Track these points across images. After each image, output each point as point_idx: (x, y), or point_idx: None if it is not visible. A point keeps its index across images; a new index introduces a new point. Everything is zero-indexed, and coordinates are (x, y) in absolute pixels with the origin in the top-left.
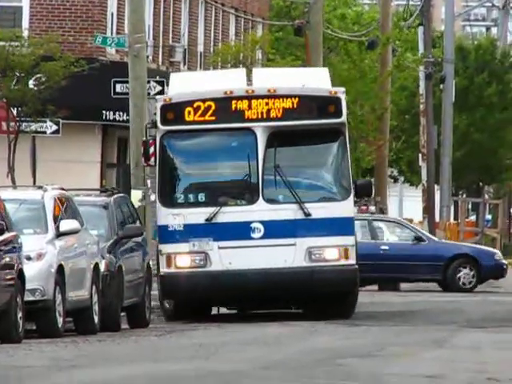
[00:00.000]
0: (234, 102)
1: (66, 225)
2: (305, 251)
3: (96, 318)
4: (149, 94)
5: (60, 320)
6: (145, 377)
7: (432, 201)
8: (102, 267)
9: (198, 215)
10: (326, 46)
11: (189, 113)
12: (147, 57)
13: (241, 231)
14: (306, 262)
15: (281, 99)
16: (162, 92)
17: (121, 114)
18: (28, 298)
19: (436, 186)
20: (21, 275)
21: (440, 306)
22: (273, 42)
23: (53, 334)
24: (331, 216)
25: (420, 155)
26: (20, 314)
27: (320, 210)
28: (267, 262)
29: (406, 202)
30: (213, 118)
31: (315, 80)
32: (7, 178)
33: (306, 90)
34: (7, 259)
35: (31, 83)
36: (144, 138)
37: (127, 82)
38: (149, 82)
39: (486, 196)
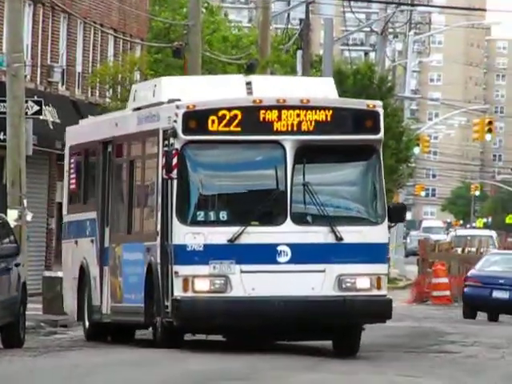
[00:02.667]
0: (262, 111)
1: None
2: (335, 279)
3: None
4: (26, 113)
5: None
6: None
7: None
8: None
9: (219, 235)
10: (205, 68)
11: (212, 122)
12: (25, 76)
13: (266, 254)
14: (335, 291)
15: (314, 111)
16: (39, 112)
17: None
18: None
19: None
20: None
21: None
22: (151, 64)
23: None
24: (364, 241)
25: None
26: None
27: (352, 235)
28: (294, 289)
29: None
30: (238, 128)
31: (322, 90)
32: None
33: (341, 102)
34: None
35: None
36: (166, 148)
37: (5, 101)
38: (26, 101)
39: None
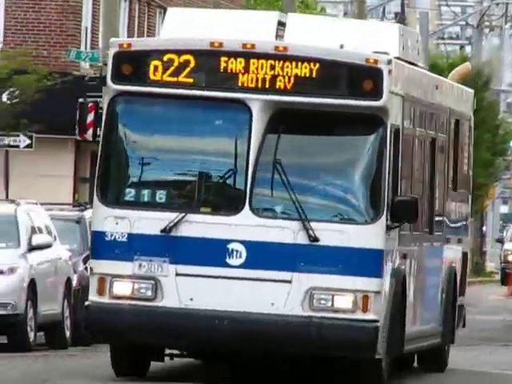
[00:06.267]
0: (223, 59)
1: (39, 239)
2: (304, 293)
3: (67, 333)
4: None
5: (31, 334)
6: None
7: None
8: (74, 282)
9: (151, 222)
10: None
11: (155, 68)
12: None
13: (212, 253)
14: (303, 310)
15: (293, 63)
16: None
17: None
18: None
19: None
20: None
21: None
22: None
23: (24, 348)
24: (349, 245)
25: None
26: None
27: (333, 235)
28: (246, 303)
29: None
30: (190, 79)
31: (378, 41)
32: None
33: (332, 53)
34: None
35: (4, 97)
36: (81, 100)
37: (101, 96)
38: None
39: None
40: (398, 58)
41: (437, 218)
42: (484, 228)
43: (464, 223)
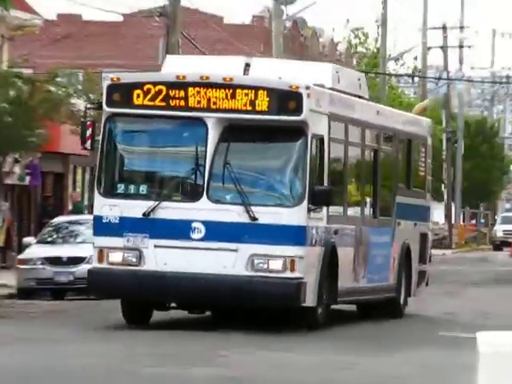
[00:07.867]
0: (186, 88)
1: None
2: (247, 259)
3: None
4: None
5: None
6: None
7: (450, 211)
8: None
9: (135, 208)
10: None
11: (137, 96)
12: None
13: (180, 230)
14: (247, 271)
15: (237, 90)
16: None
17: None
18: None
19: (452, 203)
20: None
21: None
22: None
23: None
24: (279, 223)
25: (443, 185)
26: None
27: (268, 215)
28: (205, 266)
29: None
30: (163, 103)
31: (317, 75)
32: None
33: (265, 82)
34: None
35: None
36: (82, 119)
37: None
38: None
39: (481, 208)
40: (331, 88)
41: (381, 207)
42: (496, 217)
43: (421, 212)
